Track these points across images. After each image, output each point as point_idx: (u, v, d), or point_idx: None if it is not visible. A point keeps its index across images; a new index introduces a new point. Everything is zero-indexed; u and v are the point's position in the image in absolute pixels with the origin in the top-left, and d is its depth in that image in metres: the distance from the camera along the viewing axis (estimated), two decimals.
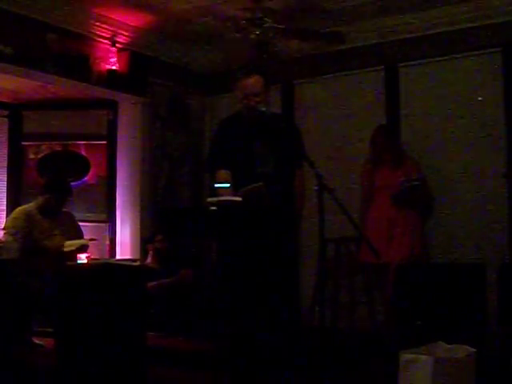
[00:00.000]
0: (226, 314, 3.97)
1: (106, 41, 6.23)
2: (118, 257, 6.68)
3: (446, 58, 5.96)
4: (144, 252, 6.42)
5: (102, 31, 6.17)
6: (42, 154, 7.23)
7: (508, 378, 4.03)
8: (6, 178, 7.17)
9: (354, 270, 5.72)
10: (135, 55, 6.53)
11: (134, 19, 6.17)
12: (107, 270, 4.38)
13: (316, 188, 3.40)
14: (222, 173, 3.90)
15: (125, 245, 6.72)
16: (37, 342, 5.21)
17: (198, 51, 7.02)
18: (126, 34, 6.35)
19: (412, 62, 6.14)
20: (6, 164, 7.19)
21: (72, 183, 6.13)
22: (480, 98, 5.75)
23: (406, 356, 3.44)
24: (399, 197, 5.45)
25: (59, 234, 5.35)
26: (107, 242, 6.81)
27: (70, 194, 5.50)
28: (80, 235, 5.59)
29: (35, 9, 5.57)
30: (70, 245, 5.29)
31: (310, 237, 5.19)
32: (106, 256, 6.66)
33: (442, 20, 5.85)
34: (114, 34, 6.24)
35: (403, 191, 5.42)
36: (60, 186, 5.45)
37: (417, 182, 5.48)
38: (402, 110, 6.18)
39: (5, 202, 7.09)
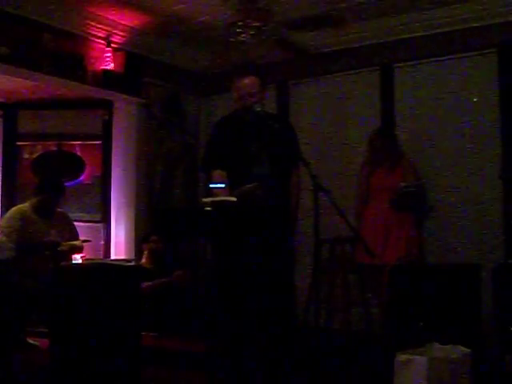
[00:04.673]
0: (221, 314, 3.97)
1: (101, 41, 6.21)
2: (112, 257, 6.67)
3: (441, 58, 5.96)
4: (139, 252, 6.41)
5: (98, 31, 6.15)
6: (36, 154, 7.22)
7: (503, 378, 4.04)
8: (0, 178, 7.16)
9: (350, 270, 5.72)
10: (130, 55, 6.52)
11: (130, 19, 6.16)
12: (102, 270, 4.38)
13: (311, 188, 3.41)
14: (218, 173, 3.90)
15: (120, 245, 6.71)
16: (31, 342, 5.21)
17: (194, 52, 7.02)
18: (122, 34, 6.34)
19: (407, 63, 6.14)
20: (0, 164, 7.18)
21: (67, 183, 6.12)
22: (475, 99, 5.76)
23: (401, 357, 3.45)
24: (396, 201, 5.45)
25: (54, 234, 5.35)
26: (102, 243, 6.79)
27: (63, 194, 5.50)
28: (75, 235, 5.60)
29: (30, 9, 5.56)
30: (63, 245, 5.31)
31: (305, 237, 5.19)
32: (101, 256, 6.65)
33: (438, 21, 5.86)
34: (110, 34, 6.23)
35: (400, 196, 5.42)
36: (53, 186, 5.44)
37: (414, 188, 5.48)
38: (396, 110, 6.18)
39: None
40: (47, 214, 5.41)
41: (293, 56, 6.55)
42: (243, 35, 5.50)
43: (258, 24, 5.45)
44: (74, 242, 5.47)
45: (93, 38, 6.17)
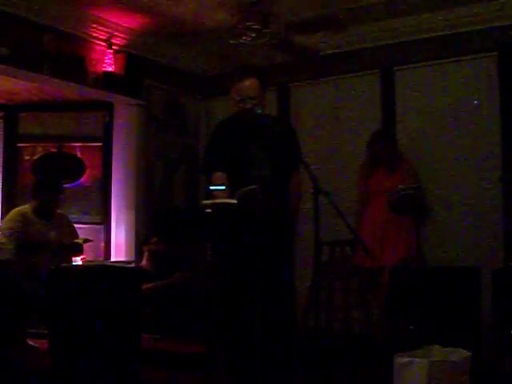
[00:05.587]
0: (221, 315, 3.97)
1: (102, 43, 6.22)
2: (112, 259, 6.67)
3: (441, 61, 5.96)
4: (139, 254, 6.41)
5: (99, 33, 6.16)
6: (37, 156, 7.23)
7: (502, 380, 4.04)
8: (1, 180, 7.16)
9: (349, 272, 5.72)
10: (131, 57, 6.52)
11: (131, 21, 6.17)
12: (102, 272, 4.38)
13: (312, 191, 3.41)
14: (218, 175, 3.90)
15: (120, 247, 6.71)
16: (31, 343, 5.21)
17: (194, 54, 7.02)
18: (123, 35, 6.34)
19: (408, 66, 6.14)
20: (1, 165, 7.18)
21: (67, 185, 6.13)
22: (476, 102, 5.76)
23: (401, 359, 3.45)
24: (395, 204, 5.45)
25: (54, 235, 5.36)
26: (102, 244, 6.80)
27: (60, 192, 5.51)
28: (75, 237, 5.60)
29: (32, 10, 5.56)
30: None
31: (305, 239, 5.20)
32: (101, 258, 6.66)
33: (438, 24, 5.86)
34: (111, 36, 6.23)
35: (399, 198, 5.43)
36: (49, 187, 5.45)
37: (412, 191, 5.48)
38: (397, 113, 6.18)
39: (0, 204, 7.07)
40: (47, 215, 5.41)
41: (294, 58, 6.55)
42: (244, 38, 5.51)
43: (259, 27, 5.46)
44: (76, 240, 5.49)
45: (94, 40, 6.17)
